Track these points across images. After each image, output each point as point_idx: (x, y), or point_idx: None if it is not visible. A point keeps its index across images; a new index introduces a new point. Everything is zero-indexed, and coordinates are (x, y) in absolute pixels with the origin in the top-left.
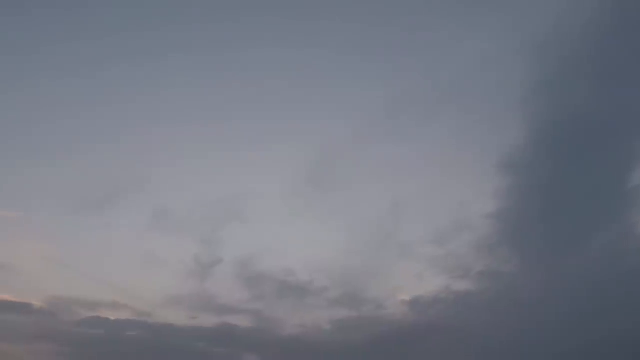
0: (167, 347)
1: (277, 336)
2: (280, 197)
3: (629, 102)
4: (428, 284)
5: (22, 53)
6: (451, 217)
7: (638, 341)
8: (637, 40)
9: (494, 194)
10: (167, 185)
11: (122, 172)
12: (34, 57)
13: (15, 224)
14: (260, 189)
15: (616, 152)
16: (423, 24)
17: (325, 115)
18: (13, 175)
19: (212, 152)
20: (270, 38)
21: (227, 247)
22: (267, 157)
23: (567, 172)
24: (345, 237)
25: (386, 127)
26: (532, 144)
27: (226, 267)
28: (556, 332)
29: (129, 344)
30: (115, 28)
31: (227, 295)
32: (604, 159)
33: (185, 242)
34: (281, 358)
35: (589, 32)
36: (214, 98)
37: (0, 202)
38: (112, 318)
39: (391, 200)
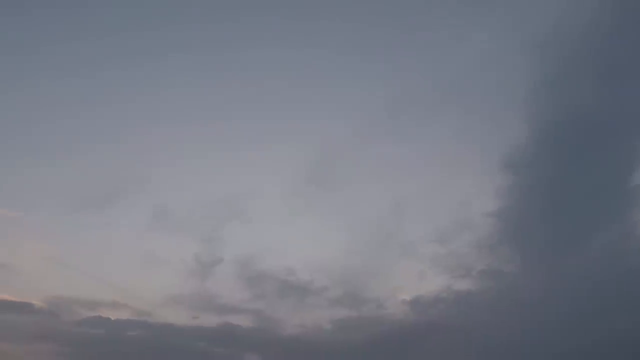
0: (168, 347)
1: (277, 336)
2: (280, 196)
3: (631, 101)
4: (429, 284)
5: (22, 53)
6: (452, 216)
7: (638, 341)
8: (639, 39)
9: (495, 193)
10: (168, 185)
11: (122, 172)
12: (34, 57)
13: (16, 224)
14: (260, 189)
15: (617, 151)
16: (423, 24)
17: (325, 115)
18: (13, 175)
19: (212, 152)
20: (270, 38)
21: (227, 246)
22: (267, 157)
23: (568, 171)
24: (346, 236)
25: (387, 126)
26: (533, 143)
27: (227, 267)
28: (557, 331)
29: (130, 344)
30: (115, 28)
31: (227, 295)
32: (604, 159)
33: (186, 241)
34: (282, 358)
35: (590, 31)
36: (214, 98)
37: (1, 201)
38: (113, 318)
39: (392, 199)
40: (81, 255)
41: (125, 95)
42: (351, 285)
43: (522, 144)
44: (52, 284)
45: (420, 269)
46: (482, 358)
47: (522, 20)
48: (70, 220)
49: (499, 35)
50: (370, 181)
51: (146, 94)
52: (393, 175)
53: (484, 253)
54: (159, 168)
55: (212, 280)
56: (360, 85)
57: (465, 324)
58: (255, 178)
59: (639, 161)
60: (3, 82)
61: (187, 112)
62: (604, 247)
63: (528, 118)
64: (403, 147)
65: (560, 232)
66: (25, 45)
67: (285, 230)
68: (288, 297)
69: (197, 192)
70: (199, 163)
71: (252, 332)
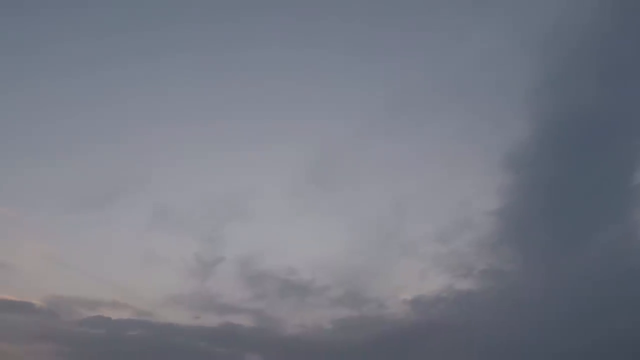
0: (169, 346)
1: (279, 335)
2: (281, 196)
3: (631, 101)
4: (430, 283)
5: (22, 53)
6: (453, 216)
7: (638, 341)
8: (639, 39)
9: (496, 192)
10: (168, 185)
11: (122, 172)
12: (34, 57)
13: (16, 223)
14: (261, 188)
15: (619, 151)
16: (423, 24)
17: (326, 115)
18: (13, 175)
19: (212, 151)
20: (270, 38)
21: (228, 245)
22: (267, 157)
23: (569, 171)
24: (347, 236)
25: (387, 125)
26: (534, 142)
27: (227, 266)
28: (557, 331)
29: (130, 344)
30: (115, 28)
31: (228, 294)
32: (605, 158)
33: (186, 241)
34: (283, 357)
35: (591, 31)
36: (214, 98)
37: (1, 201)
38: (113, 318)
39: (392, 199)
40: (81, 255)
41: (125, 95)
42: (352, 284)
43: (523, 143)
44: (52, 284)
45: (421, 268)
46: (483, 357)
47: (523, 20)
48: (70, 219)
49: (500, 35)
50: (371, 181)
51: (146, 94)
52: (394, 175)
53: (485, 252)
54: (159, 168)
55: (212, 280)
56: (361, 85)
57: (467, 323)
58: (256, 178)
59: None
60: (3, 82)
61: (187, 112)
62: (604, 247)
63: (529, 118)
64: (403, 147)
65: (561, 232)
66: (25, 45)
67: (286, 229)
68: (289, 296)
69: (198, 192)
70: (199, 163)
71: (253, 332)
